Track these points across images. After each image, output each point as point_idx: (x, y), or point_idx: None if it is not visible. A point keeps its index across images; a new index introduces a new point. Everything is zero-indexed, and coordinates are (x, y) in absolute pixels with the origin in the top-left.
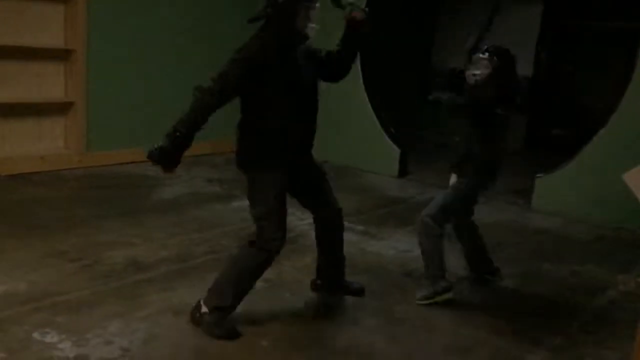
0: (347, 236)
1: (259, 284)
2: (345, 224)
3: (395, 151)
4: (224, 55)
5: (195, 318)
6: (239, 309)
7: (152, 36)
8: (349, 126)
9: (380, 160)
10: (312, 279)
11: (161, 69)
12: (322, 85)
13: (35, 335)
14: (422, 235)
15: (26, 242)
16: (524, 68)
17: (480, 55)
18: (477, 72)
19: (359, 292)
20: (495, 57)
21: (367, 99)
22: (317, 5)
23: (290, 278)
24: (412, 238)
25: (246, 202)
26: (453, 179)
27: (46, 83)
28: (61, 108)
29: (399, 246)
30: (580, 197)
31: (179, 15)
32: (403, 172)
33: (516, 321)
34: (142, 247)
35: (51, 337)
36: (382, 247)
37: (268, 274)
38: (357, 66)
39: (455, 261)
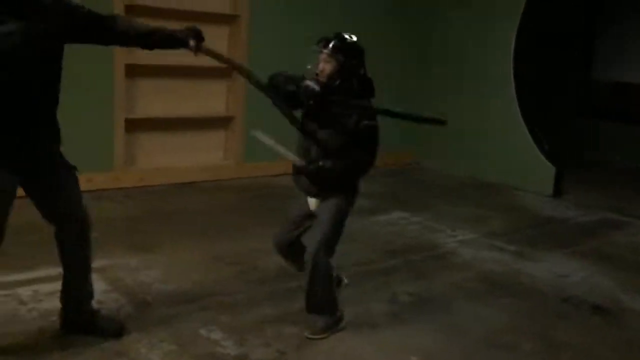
0: (498, 256)
1: (407, 298)
2: (496, 243)
3: (550, 169)
4: (382, 61)
5: None
6: (388, 321)
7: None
8: (500, 142)
9: (533, 178)
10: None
11: None
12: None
13: (202, 331)
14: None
15: (188, 246)
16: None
17: (317, 48)
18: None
19: (113, 332)
20: (338, 52)
21: (519, 112)
22: None
23: (439, 294)
24: (570, 261)
25: (394, 216)
26: (313, 203)
27: (210, 99)
28: (222, 122)
29: (555, 269)
30: None
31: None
32: (558, 192)
33: None
34: None
35: (215, 335)
36: (536, 269)
37: (417, 288)
38: (510, 77)
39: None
